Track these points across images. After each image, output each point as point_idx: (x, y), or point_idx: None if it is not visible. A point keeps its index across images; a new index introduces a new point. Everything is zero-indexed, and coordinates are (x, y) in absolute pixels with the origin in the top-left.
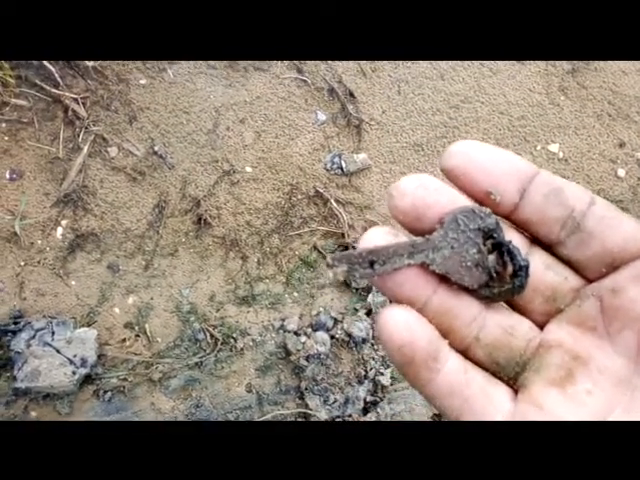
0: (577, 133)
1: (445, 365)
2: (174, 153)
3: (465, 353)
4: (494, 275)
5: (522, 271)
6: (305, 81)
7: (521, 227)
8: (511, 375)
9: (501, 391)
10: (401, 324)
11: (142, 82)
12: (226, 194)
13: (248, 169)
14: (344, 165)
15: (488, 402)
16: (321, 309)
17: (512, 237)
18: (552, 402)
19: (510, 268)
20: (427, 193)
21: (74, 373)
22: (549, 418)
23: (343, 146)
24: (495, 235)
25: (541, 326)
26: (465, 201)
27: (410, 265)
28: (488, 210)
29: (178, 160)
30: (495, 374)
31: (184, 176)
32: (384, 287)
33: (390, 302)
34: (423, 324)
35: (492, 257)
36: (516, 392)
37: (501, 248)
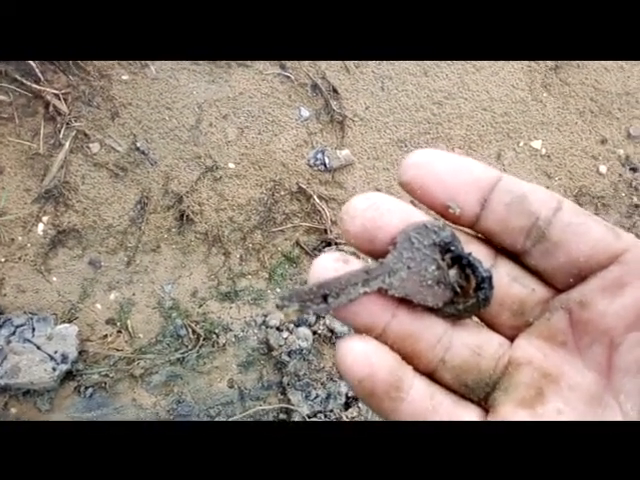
0: (560, 129)
1: (409, 393)
2: (156, 149)
3: (432, 376)
4: (458, 290)
5: (485, 283)
6: (288, 77)
7: (485, 237)
8: (481, 396)
9: (470, 413)
10: (359, 356)
11: (124, 78)
12: (209, 190)
13: (231, 165)
14: (327, 161)
15: None
16: None
17: (476, 248)
18: None
19: (473, 281)
20: (378, 214)
21: (54, 369)
22: None
23: (326, 142)
24: (452, 248)
25: (511, 340)
26: (420, 217)
27: (367, 293)
28: (441, 223)
29: (160, 156)
30: (464, 396)
31: (166, 172)
32: (340, 318)
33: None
34: (383, 354)
35: (453, 272)
36: (487, 411)
37: (461, 261)
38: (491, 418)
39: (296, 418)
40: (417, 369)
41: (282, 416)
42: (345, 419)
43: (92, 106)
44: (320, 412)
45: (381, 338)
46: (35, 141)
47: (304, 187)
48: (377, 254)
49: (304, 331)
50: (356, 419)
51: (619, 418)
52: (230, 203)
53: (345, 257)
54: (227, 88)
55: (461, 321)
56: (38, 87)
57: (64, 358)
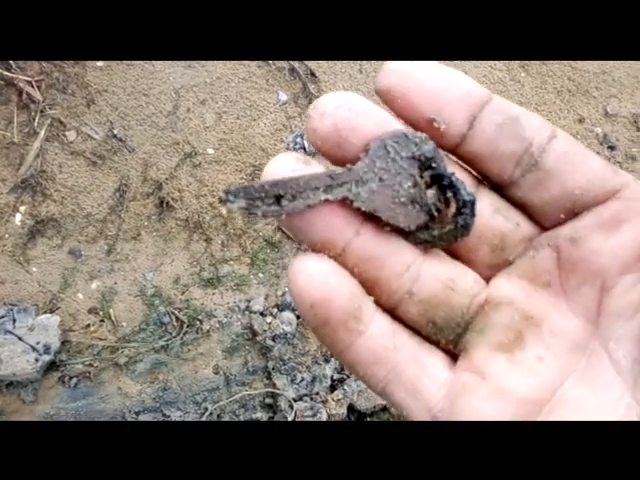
0: (538, 109)
1: (368, 327)
2: (134, 136)
3: (394, 312)
4: (435, 214)
5: (467, 208)
6: (266, 61)
7: (468, 163)
8: (450, 338)
9: (436, 357)
10: (315, 277)
11: (99, 64)
12: (188, 176)
13: (210, 151)
14: (307, 145)
15: (420, 371)
16: (286, 289)
17: (456, 171)
18: (497, 370)
19: (453, 205)
20: (352, 114)
21: (37, 360)
22: (492, 388)
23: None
24: (434, 165)
25: (487, 281)
26: (398, 126)
27: (328, 201)
28: (424, 135)
29: (138, 143)
30: (430, 337)
31: (145, 159)
32: (293, 227)
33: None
34: (342, 277)
35: (431, 192)
36: (455, 358)
37: (442, 181)
38: (461, 363)
39: (282, 402)
40: (379, 301)
41: (268, 400)
42: (331, 401)
43: (67, 93)
44: (306, 395)
45: (340, 259)
46: (9, 130)
47: None
48: (345, 162)
49: (288, 315)
50: (342, 401)
51: (608, 366)
52: (210, 189)
53: (306, 158)
54: (204, 73)
55: (433, 250)
56: (10, 74)
57: (47, 349)
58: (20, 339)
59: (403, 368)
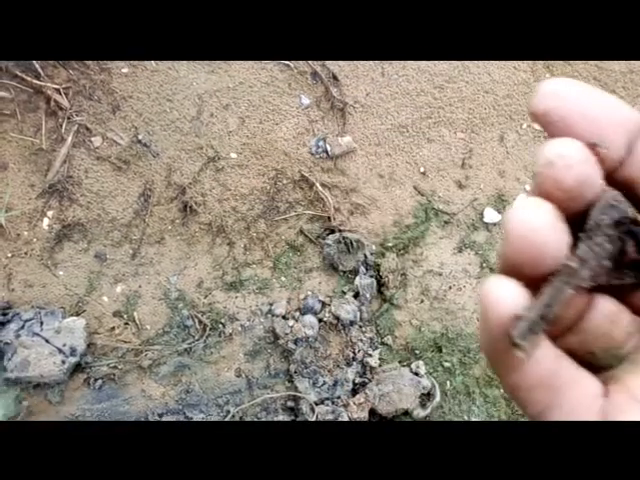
0: None
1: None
2: (158, 141)
3: (556, 340)
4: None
5: None
6: (288, 65)
7: (623, 188)
8: (604, 365)
9: (592, 382)
10: (505, 300)
11: (124, 71)
12: (211, 181)
13: (233, 155)
14: (329, 149)
15: (581, 395)
16: (309, 293)
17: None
18: None
19: None
20: (594, 172)
21: (64, 362)
22: None
23: (327, 129)
24: (633, 228)
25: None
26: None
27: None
28: (618, 194)
29: (162, 148)
30: (582, 363)
31: (169, 164)
32: None
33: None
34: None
35: (631, 248)
36: (604, 383)
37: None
38: (614, 388)
39: (303, 405)
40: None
41: (290, 403)
42: (352, 405)
43: (93, 100)
44: (327, 399)
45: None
46: (37, 136)
47: (306, 175)
48: (571, 214)
49: (310, 319)
50: (363, 405)
51: None
52: (233, 193)
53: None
54: (227, 78)
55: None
56: (39, 82)
57: (73, 351)
58: (47, 341)
59: (566, 392)
